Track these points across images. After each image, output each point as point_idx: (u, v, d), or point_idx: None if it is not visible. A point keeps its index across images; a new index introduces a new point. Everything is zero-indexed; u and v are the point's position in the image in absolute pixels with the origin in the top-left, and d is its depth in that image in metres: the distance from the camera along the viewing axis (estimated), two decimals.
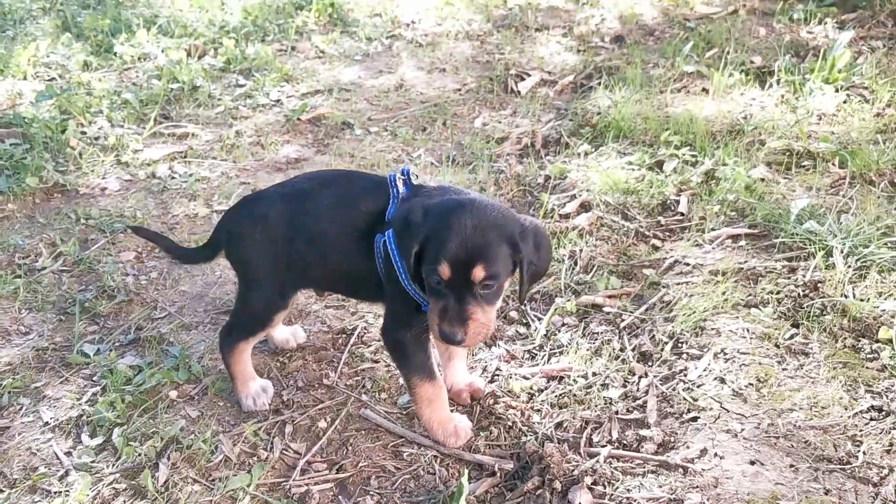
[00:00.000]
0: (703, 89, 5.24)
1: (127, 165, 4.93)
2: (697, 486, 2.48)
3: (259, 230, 2.79)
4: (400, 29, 7.12)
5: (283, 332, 3.28)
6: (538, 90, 5.75)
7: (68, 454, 2.79)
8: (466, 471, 2.62)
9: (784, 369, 2.90)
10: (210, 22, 7.25)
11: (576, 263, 3.66)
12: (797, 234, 3.53)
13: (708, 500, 2.43)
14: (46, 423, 2.93)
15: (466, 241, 2.29)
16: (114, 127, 5.37)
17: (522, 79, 5.91)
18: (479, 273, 2.31)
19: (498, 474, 2.64)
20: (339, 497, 2.60)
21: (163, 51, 6.59)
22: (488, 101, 5.65)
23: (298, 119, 5.44)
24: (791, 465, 2.52)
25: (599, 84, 5.49)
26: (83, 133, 5.26)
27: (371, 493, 2.61)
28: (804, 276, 3.31)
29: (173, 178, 4.79)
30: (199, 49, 6.69)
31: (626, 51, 6.21)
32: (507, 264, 2.37)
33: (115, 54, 6.61)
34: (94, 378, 3.15)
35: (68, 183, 4.68)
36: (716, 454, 2.59)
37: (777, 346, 3.00)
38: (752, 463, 2.54)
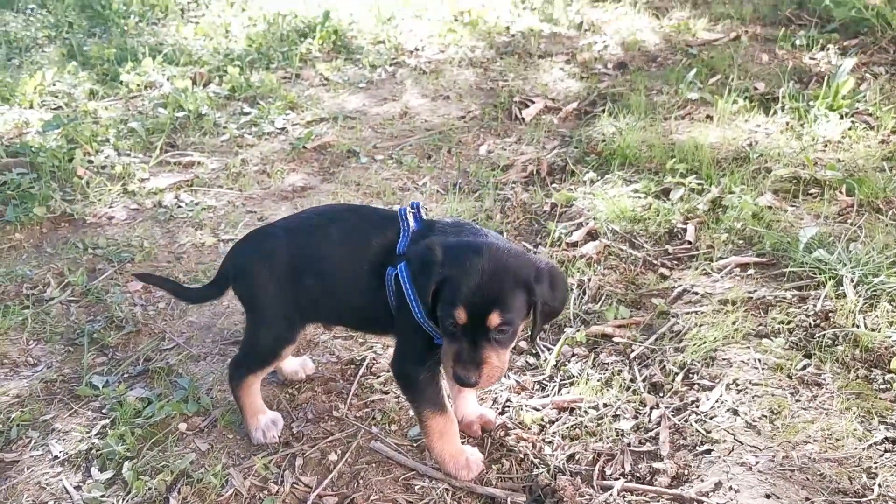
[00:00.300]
0: (708, 116, 5.26)
1: (133, 194, 4.94)
2: None
3: (266, 266, 2.79)
4: (403, 56, 7.16)
5: (293, 364, 3.28)
6: (542, 117, 5.77)
7: (78, 488, 2.77)
8: (478, 502, 2.61)
9: (797, 401, 2.88)
10: (215, 50, 7.30)
11: (584, 293, 3.66)
12: (806, 263, 3.53)
13: None
14: (56, 457, 2.91)
15: (483, 288, 2.32)
16: (120, 156, 5.39)
17: (526, 106, 5.94)
18: (494, 319, 2.33)
19: None
20: None
21: (168, 79, 6.64)
22: (493, 128, 5.67)
23: (304, 147, 5.46)
24: (807, 499, 2.50)
25: (603, 111, 5.52)
26: (90, 162, 5.28)
27: None
28: (815, 305, 3.31)
29: (179, 206, 4.79)
30: (205, 77, 6.73)
31: (630, 77, 6.25)
32: (522, 309, 2.39)
33: (121, 83, 6.65)
34: (104, 410, 3.14)
35: (75, 212, 4.69)
36: (731, 487, 2.57)
37: (790, 376, 2.99)
38: (768, 496, 2.52)
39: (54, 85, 6.67)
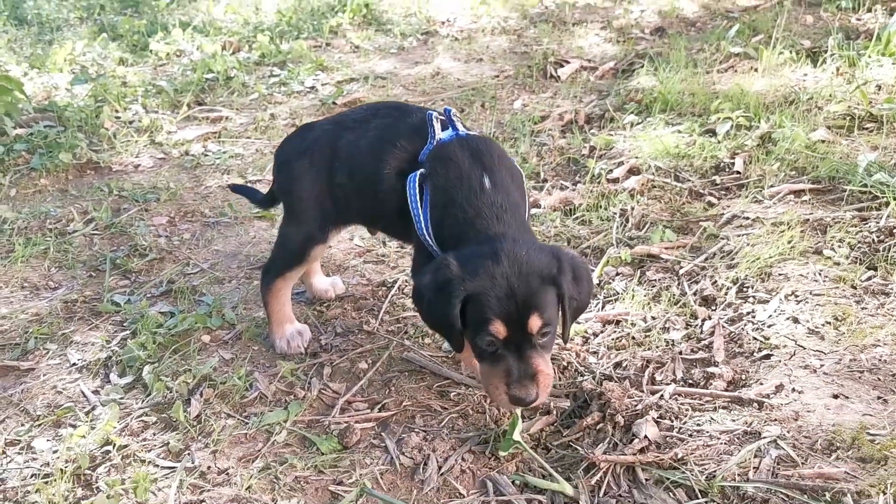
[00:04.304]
0: (752, 69, 5.06)
1: (160, 145, 4.84)
2: (776, 420, 2.26)
3: (307, 159, 2.67)
4: (435, 26, 7.04)
5: (322, 282, 3.12)
6: (579, 75, 5.60)
7: (96, 392, 2.63)
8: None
9: (864, 308, 2.67)
10: (245, 21, 7.24)
11: (627, 221, 3.47)
12: (867, 185, 3.31)
13: (788, 432, 2.21)
14: (73, 364, 2.77)
15: (514, 293, 2.10)
16: (148, 112, 5.30)
17: (562, 66, 5.77)
18: (535, 323, 2.12)
19: (553, 413, 2.44)
20: (382, 434, 2.41)
21: (198, 48, 6.56)
22: (527, 85, 5.51)
23: (334, 103, 5.34)
24: (879, 398, 2.29)
25: (642, 68, 5.33)
26: (117, 118, 5.19)
27: (416, 430, 2.41)
28: (877, 223, 3.09)
29: (206, 155, 4.68)
30: (234, 45, 6.65)
31: (668, 41, 6.06)
32: (555, 306, 2.18)
33: (150, 52, 6.59)
34: (125, 324, 3.00)
35: (102, 160, 4.60)
36: (794, 389, 2.36)
37: (854, 287, 2.78)
38: (836, 396, 2.31)
39: (84, 55, 6.62)
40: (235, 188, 3.36)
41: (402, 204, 2.45)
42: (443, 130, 2.48)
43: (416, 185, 2.40)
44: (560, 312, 2.21)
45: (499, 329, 2.11)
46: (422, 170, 2.42)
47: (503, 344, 2.14)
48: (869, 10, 6.04)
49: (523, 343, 2.14)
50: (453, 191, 2.36)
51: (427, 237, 2.40)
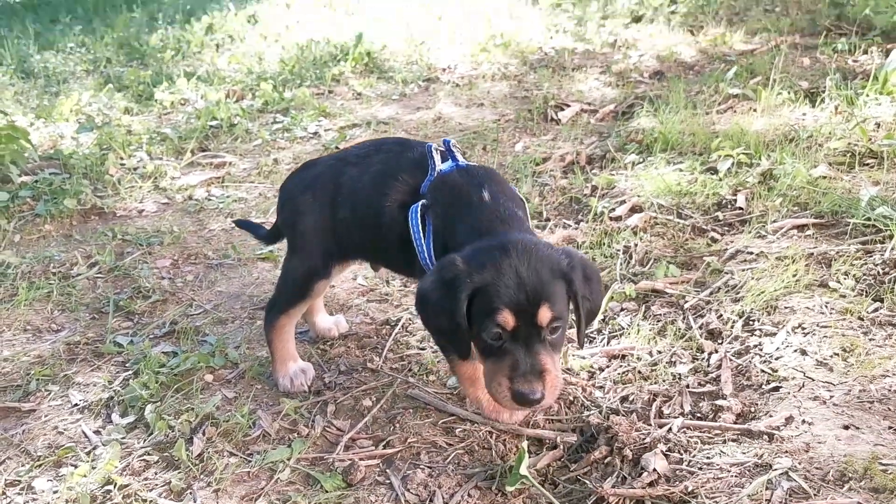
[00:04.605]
0: (751, 109, 5.10)
1: (164, 190, 4.87)
2: (787, 452, 2.22)
3: (310, 194, 2.68)
4: (436, 73, 7.13)
5: (326, 321, 3.11)
6: (579, 118, 5.65)
7: (97, 432, 2.60)
8: (526, 441, 2.40)
9: (871, 339, 2.65)
10: (248, 70, 7.34)
11: (631, 257, 3.47)
12: (871, 219, 3.31)
13: (800, 464, 2.17)
14: (75, 405, 2.75)
15: (524, 283, 2.05)
16: (152, 159, 5.34)
17: (562, 109, 5.82)
18: (545, 315, 2.06)
19: (560, 447, 2.41)
20: (387, 471, 2.37)
21: (202, 97, 6.64)
22: (528, 128, 5.56)
23: (336, 148, 5.37)
24: (890, 427, 2.26)
25: (642, 109, 5.38)
26: (122, 164, 5.24)
27: (421, 466, 2.38)
28: (882, 256, 3.08)
29: (210, 199, 4.71)
30: (238, 93, 6.73)
31: (667, 84, 6.12)
32: (565, 302, 2.14)
33: (155, 101, 6.66)
34: (127, 364, 2.98)
35: (106, 206, 4.62)
36: (804, 421, 2.33)
37: (861, 318, 2.76)
38: (847, 427, 2.28)
39: (90, 105, 6.69)
40: (240, 223, 3.39)
41: (405, 236, 2.45)
42: (443, 162, 2.50)
43: (418, 215, 2.40)
44: (574, 312, 2.18)
45: (507, 319, 2.05)
46: (423, 201, 2.43)
47: (511, 337, 2.08)
48: (865, 52, 6.11)
49: (532, 337, 2.08)
50: (454, 211, 2.37)
51: (431, 267, 2.39)
